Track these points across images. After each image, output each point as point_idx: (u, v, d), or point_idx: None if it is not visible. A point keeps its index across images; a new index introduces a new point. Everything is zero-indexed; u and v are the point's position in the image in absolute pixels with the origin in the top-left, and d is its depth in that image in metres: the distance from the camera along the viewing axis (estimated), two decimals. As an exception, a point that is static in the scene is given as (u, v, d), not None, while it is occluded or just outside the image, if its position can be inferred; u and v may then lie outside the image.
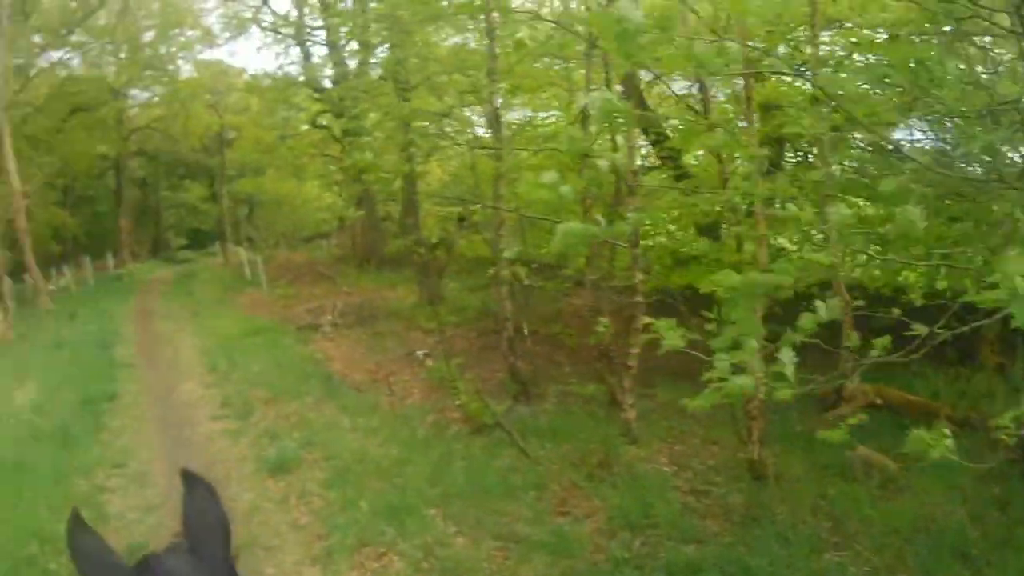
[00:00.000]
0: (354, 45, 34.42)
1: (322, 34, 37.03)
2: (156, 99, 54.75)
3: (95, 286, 44.77)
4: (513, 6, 18.95)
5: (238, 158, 49.70)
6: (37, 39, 44.03)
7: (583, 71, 17.13)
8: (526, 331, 16.96)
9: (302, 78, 37.83)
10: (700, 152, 18.57)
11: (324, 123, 37.40)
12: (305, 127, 40.14)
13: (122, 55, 49.07)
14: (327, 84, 36.53)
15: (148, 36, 49.05)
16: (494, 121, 16.34)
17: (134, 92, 54.14)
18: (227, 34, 44.75)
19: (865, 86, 9.71)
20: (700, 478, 11.71)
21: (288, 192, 47.05)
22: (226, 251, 49.23)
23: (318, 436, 14.46)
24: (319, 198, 48.98)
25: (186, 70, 52.29)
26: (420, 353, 20.25)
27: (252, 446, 14.43)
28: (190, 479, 2.16)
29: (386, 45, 27.98)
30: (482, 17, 16.79)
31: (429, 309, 23.55)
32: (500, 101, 16.66)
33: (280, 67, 40.51)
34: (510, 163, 16.69)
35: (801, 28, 13.56)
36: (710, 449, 12.90)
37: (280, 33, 39.07)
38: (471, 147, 18.38)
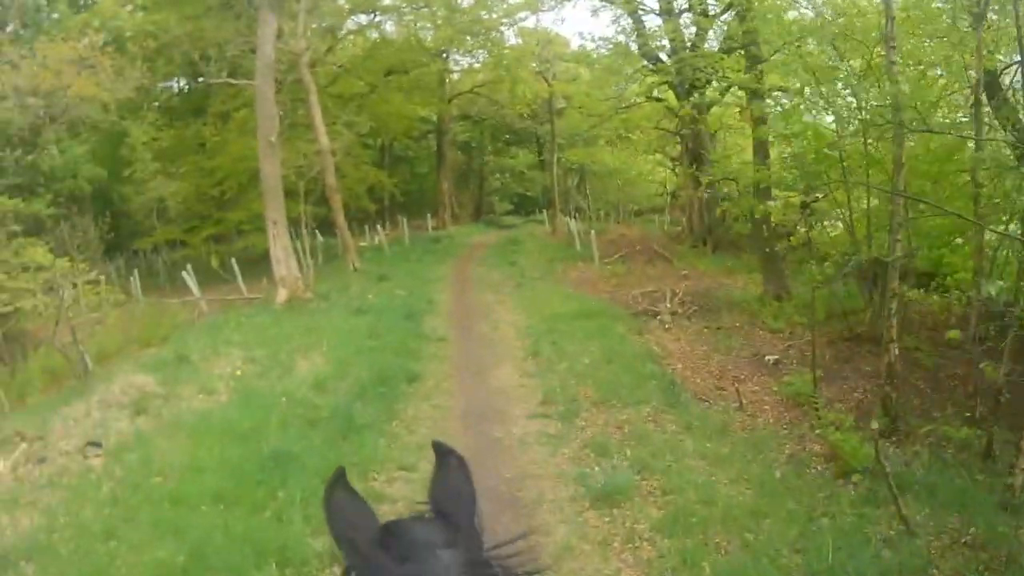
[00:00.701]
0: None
1: (654, 2, 35.00)
2: (478, 65, 54.69)
3: (410, 247, 43.49)
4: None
5: (568, 127, 48.90)
6: (342, 2, 44.11)
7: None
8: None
9: (635, 48, 35.98)
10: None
11: (659, 96, 36.02)
12: (638, 99, 38.32)
13: (439, 20, 47.98)
14: (663, 56, 34.49)
15: (467, 1, 47.57)
16: (893, 98, 13.47)
17: (456, 57, 54.34)
18: (550, 4, 43.03)
19: None
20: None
21: (621, 164, 45.68)
22: (555, 220, 48.01)
23: (656, 459, 11.84)
24: (652, 172, 47.31)
25: (510, 36, 51.71)
26: (770, 358, 17.52)
27: (574, 460, 12.07)
28: (441, 450, 2.10)
29: (729, 14, 27.49)
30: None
31: (775, 306, 21.53)
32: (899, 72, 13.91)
33: (612, 36, 38.32)
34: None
35: None
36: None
37: (611, 1, 36.71)
38: (865, 126, 15.52)
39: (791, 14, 21.59)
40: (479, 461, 11.14)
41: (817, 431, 12.85)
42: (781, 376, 16.28)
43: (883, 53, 14.12)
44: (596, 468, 11.58)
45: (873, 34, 16.06)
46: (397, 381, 16.21)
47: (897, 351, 13.53)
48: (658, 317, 21.37)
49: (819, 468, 11.88)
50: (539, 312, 22.91)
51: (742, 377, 16.35)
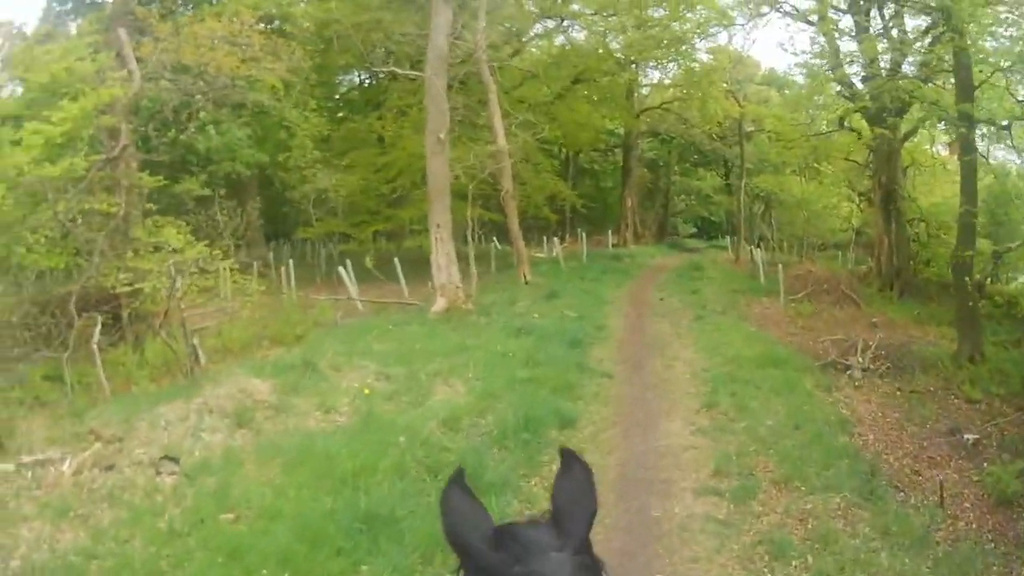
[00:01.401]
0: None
1: (848, 20, 32.18)
2: (667, 81, 53.35)
3: (587, 263, 40.63)
4: None
5: (756, 151, 47.27)
6: (530, 6, 43.55)
7: None
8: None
9: (828, 73, 33.19)
10: None
11: (850, 126, 33.67)
12: (827, 128, 36.21)
13: (628, 29, 46.14)
14: (857, 82, 31.96)
15: (658, 12, 45.60)
16: None
17: (646, 69, 53.02)
18: (742, 19, 40.75)
19: None
20: None
21: (809, 195, 43.25)
22: (739, 248, 45.85)
23: (843, 575, 9.15)
24: (838, 205, 44.69)
25: (701, 52, 49.51)
26: (968, 437, 14.59)
27: (743, 561, 9.42)
28: (568, 457, 2.12)
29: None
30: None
31: (971, 369, 18.70)
32: None
33: (809, 49, 36.19)
34: None
35: None
36: None
37: (808, 22, 34.12)
38: None
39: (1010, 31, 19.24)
40: (630, 550, 9.54)
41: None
42: (981, 461, 13.50)
43: None
44: (769, 577, 9.00)
45: None
46: (547, 426, 13.52)
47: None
48: (848, 372, 18.52)
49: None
50: (719, 353, 19.80)
51: (938, 459, 13.50)
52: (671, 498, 11.06)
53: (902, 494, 11.87)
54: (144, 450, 11.40)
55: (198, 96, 25.30)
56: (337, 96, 46.71)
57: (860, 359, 18.97)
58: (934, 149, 37.90)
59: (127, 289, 18.83)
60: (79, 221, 18.79)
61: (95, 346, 16.35)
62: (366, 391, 15.06)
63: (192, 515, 9.61)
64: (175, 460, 11.08)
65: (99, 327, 17.02)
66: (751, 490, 11.19)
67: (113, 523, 9.40)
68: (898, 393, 17.36)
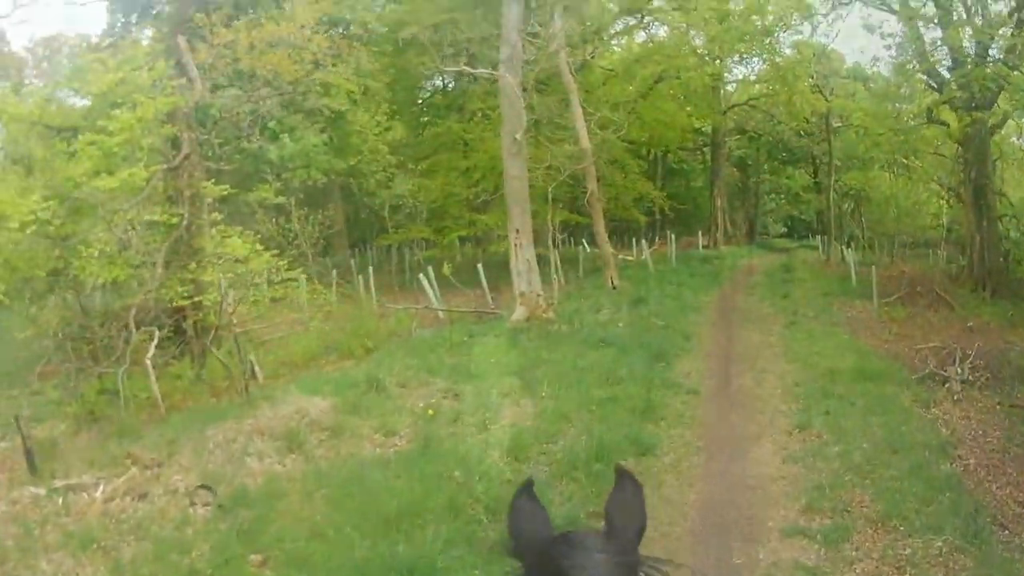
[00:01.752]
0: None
1: (931, 7, 30.59)
2: (753, 77, 51.96)
3: (677, 265, 39.16)
4: None
5: (844, 147, 45.55)
6: (612, 6, 42.30)
7: None
8: None
9: (911, 65, 32.32)
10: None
11: (938, 117, 31.99)
12: (913, 122, 34.28)
13: (707, 23, 44.28)
14: (943, 71, 30.57)
15: (739, 5, 44.51)
16: None
17: (730, 64, 51.26)
18: (823, 9, 39.54)
19: None
20: None
21: (898, 191, 42.22)
22: (830, 248, 44.02)
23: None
24: (927, 201, 43.08)
25: (784, 47, 47.87)
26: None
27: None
28: (622, 474, 2.37)
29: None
30: None
31: None
32: None
33: (895, 34, 34.84)
34: None
35: None
36: None
37: (891, 10, 32.67)
38: None
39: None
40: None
41: None
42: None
43: None
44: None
45: None
46: (623, 453, 12.01)
47: None
48: (947, 384, 16.59)
49: None
50: (812, 365, 18.13)
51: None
52: (755, 541, 9.67)
53: (1006, 532, 10.10)
54: (182, 476, 10.72)
55: (265, 102, 24.48)
56: (420, 101, 46.07)
57: (959, 369, 17.10)
58: (1021, 141, 36.42)
59: (186, 302, 18.18)
60: (134, 233, 18.10)
61: (149, 361, 15.63)
62: (430, 412, 14.03)
63: (219, 554, 8.81)
64: (210, 490, 10.29)
65: (155, 341, 16.35)
66: (845, 531, 9.71)
67: (136, 558, 8.82)
68: (998, 408, 15.36)
